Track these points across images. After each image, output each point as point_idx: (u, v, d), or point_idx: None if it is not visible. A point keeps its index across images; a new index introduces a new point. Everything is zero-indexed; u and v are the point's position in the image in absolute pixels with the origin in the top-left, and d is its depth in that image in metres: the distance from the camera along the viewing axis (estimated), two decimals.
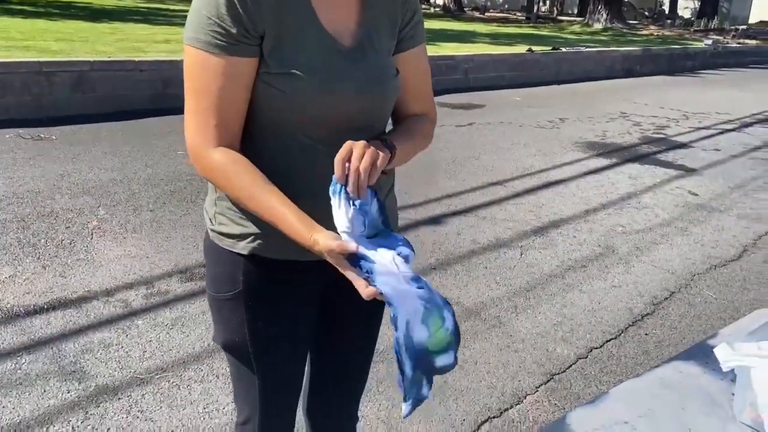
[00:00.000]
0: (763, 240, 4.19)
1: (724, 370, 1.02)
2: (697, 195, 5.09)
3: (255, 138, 1.09)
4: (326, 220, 0.98)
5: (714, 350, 1.05)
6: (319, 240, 0.97)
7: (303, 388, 1.42)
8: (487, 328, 2.87)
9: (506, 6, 32.29)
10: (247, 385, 1.28)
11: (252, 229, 1.13)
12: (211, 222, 1.19)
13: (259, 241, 1.13)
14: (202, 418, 2.15)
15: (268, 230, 1.11)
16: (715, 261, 3.81)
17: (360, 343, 1.39)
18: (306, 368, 1.38)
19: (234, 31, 0.99)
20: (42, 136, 5.28)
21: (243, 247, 1.14)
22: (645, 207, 4.71)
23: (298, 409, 1.39)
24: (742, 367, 1.03)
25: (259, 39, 1.02)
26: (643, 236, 4.13)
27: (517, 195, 4.75)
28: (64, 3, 13.82)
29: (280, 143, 1.08)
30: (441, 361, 1.03)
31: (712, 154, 6.53)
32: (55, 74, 6.04)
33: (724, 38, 19.58)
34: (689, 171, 5.80)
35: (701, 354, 1.31)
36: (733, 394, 1.15)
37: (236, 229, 1.15)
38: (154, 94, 6.41)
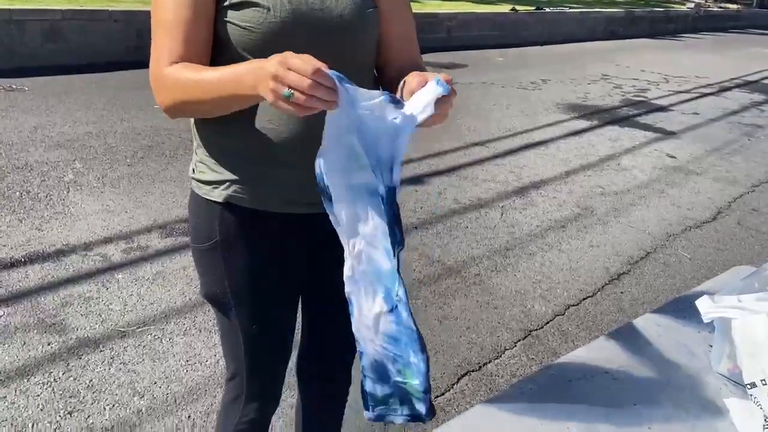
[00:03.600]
0: (738, 202, 4.28)
1: (705, 321, 1.05)
2: (675, 158, 5.15)
3: None
4: (308, 168, 0.95)
5: (696, 302, 1.07)
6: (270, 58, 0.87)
7: (299, 347, 1.41)
8: (467, 285, 2.91)
9: None
10: (232, 339, 1.27)
11: (227, 175, 1.12)
12: (193, 171, 1.18)
13: (234, 188, 1.12)
14: (185, 370, 2.16)
15: (243, 177, 1.10)
16: (690, 222, 3.88)
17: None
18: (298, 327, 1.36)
19: None
20: (14, 87, 5.12)
21: (218, 195, 1.13)
22: (624, 169, 4.76)
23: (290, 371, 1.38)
24: (723, 318, 1.06)
25: None
26: (621, 198, 4.18)
27: (499, 156, 4.76)
28: None
29: None
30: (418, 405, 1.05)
31: (691, 117, 6.58)
32: (25, 23, 5.83)
33: (706, 2, 19.55)
34: (668, 134, 5.85)
35: (679, 308, 1.35)
36: (711, 346, 1.19)
37: (212, 176, 1.13)
38: (128, 45, 6.22)
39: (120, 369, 2.14)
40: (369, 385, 1.06)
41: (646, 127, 6.03)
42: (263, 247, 1.18)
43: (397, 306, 1.00)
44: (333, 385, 1.47)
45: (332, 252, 1.05)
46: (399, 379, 1.04)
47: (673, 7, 16.22)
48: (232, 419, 1.32)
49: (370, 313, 1.02)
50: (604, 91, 7.47)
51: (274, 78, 0.83)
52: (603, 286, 3.04)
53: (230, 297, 1.20)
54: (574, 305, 2.85)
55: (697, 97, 7.63)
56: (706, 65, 9.99)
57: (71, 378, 2.08)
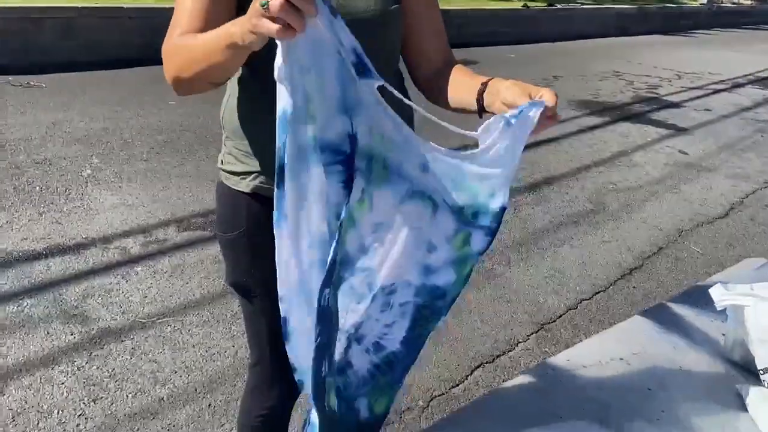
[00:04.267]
0: (750, 198, 4.27)
1: (718, 309, 1.07)
2: (687, 154, 5.14)
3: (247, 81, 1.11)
4: None
5: (709, 290, 1.10)
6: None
7: None
8: (481, 280, 2.93)
9: None
10: (255, 327, 1.31)
11: (254, 166, 1.15)
12: (221, 162, 1.22)
13: (261, 178, 1.15)
14: (204, 360, 2.21)
15: (271, 168, 1.13)
16: (702, 218, 3.89)
17: None
18: None
19: None
20: (31, 83, 5.20)
21: (246, 185, 1.16)
22: (636, 165, 4.77)
23: None
24: (736, 306, 1.08)
25: None
26: (633, 194, 4.19)
27: None
28: None
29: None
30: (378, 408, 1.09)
31: (703, 114, 6.56)
32: (42, 20, 5.91)
33: None
34: (680, 130, 5.85)
35: (692, 298, 1.37)
36: (724, 335, 1.21)
37: (240, 167, 1.17)
38: (143, 42, 6.27)
39: (141, 358, 2.19)
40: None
41: (658, 124, 6.02)
42: None
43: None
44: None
45: None
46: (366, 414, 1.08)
47: (685, 3, 16.12)
48: (255, 404, 1.36)
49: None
50: (615, 88, 7.46)
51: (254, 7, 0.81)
52: (615, 281, 3.06)
53: (255, 285, 1.24)
54: (586, 299, 2.87)
55: (709, 94, 7.60)
56: (719, 61, 9.94)
57: (94, 367, 2.13)
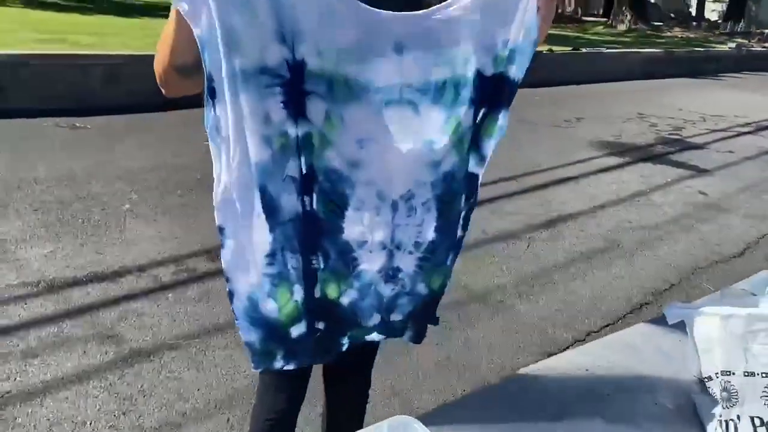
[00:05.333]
0: (766, 238, 4.31)
1: (670, 323, 1.20)
2: (706, 194, 5.20)
3: None
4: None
5: (663, 308, 1.23)
6: None
7: None
8: (491, 311, 3.06)
9: None
10: None
11: None
12: None
13: None
14: (225, 380, 2.38)
15: None
16: (717, 257, 3.95)
17: None
18: None
19: None
20: (77, 125, 5.57)
21: None
22: (654, 204, 4.85)
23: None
24: (688, 321, 1.21)
25: None
26: (649, 232, 4.27)
27: (528, 190, 4.91)
28: None
29: None
30: (295, 331, 1.20)
31: (726, 155, 6.61)
32: (89, 67, 6.33)
33: (750, 42, 19.41)
34: (701, 171, 5.91)
35: (663, 321, 1.50)
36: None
37: None
38: None
39: (168, 377, 2.37)
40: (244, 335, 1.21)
41: (679, 165, 6.09)
42: None
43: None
44: (350, 387, 1.65)
45: None
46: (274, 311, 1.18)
47: (713, 47, 16.19)
48: (263, 409, 1.51)
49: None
50: (638, 130, 7.56)
51: None
52: (624, 315, 3.15)
53: None
54: (594, 332, 2.96)
55: (733, 136, 7.64)
56: (746, 104, 9.96)
57: (125, 383, 2.32)
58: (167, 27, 1.08)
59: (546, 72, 10.74)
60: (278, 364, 1.26)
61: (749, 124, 8.46)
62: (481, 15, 1.09)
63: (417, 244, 1.21)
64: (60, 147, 4.93)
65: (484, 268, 3.50)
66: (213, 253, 3.36)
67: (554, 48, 11.72)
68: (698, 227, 4.45)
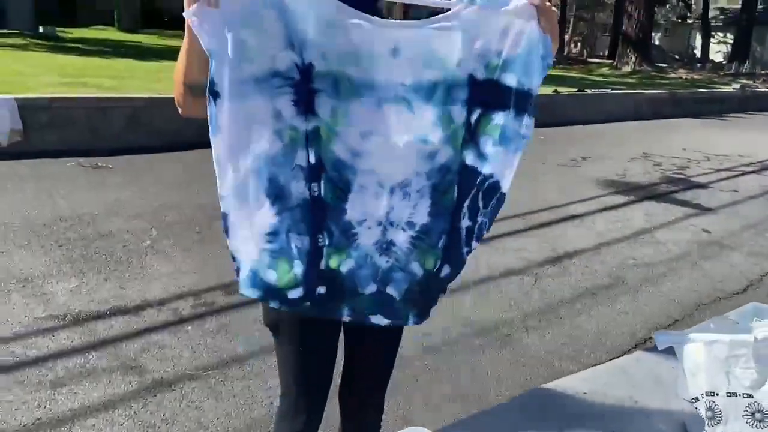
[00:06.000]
0: None
1: (660, 348, 1.32)
2: (710, 232, 5.30)
3: None
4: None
5: (654, 334, 1.35)
6: None
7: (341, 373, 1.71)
8: (499, 344, 3.15)
9: None
10: (282, 359, 1.57)
11: None
12: None
13: None
14: (242, 409, 2.48)
15: None
16: (720, 294, 4.03)
17: (386, 334, 1.61)
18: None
19: None
20: (99, 165, 5.79)
21: None
22: (658, 242, 4.96)
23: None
24: (677, 347, 1.33)
25: None
26: (653, 269, 4.37)
27: (534, 227, 5.04)
28: (115, 42, 14.71)
29: None
30: (292, 294, 1.33)
31: (730, 194, 6.73)
32: (111, 109, 6.60)
33: (754, 82, 19.68)
34: (705, 210, 6.02)
35: (654, 349, 1.61)
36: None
37: None
38: (199, 127, 6.86)
39: (188, 406, 2.48)
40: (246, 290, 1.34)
41: (684, 203, 6.21)
42: None
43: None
44: (363, 413, 1.75)
45: None
46: (273, 279, 1.31)
47: (717, 88, 16.44)
48: (283, 428, 1.62)
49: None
50: (643, 169, 7.71)
51: None
52: (629, 350, 3.21)
53: (282, 326, 1.53)
54: (599, 365, 3.04)
55: (738, 175, 7.76)
56: (750, 144, 10.11)
57: (148, 412, 2.42)
58: (182, 46, 1.25)
59: (552, 112, 10.98)
60: (272, 304, 1.39)
61: (753, 163, 8.59)
62: (478, 28, 1.25)
63: (410, 224, 1.34)
64: (82, 186, 5.12)
65: (492, 303, 3.60)
66: (230, 287, 3.49)
67: (560, 89, 11.99)
68: (702, 264, 4.54)
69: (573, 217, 5.38)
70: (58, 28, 14.37)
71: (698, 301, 3.90)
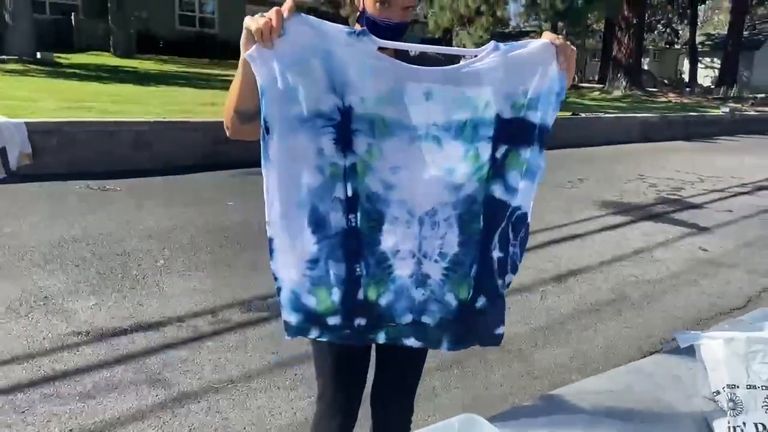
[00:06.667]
0: None
1: (682, 347, 1.43)
2: (707, 251, 5.44)
3: None
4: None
5: (675, 333, 1.46)
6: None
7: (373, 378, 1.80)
8: (509, 359, 3.25)
9: None
10: (320, 364, 1.69)
11: None
12: None
13: None
14: (267, 420, 2.55)
15: None
16: (720, 309, 4.15)
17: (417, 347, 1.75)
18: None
19: None
20: (108, 187, 5.88)
21: None
22: (657, 260, 5.08)
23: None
24: (697, 346, 1.43)
25: None
26: (654, 286, 4.49)
27: (538, 246, 5.16)
28: (111, 67, 14.86)
29: None
30: (331, 320, 1.44)
31: (725, 214, 6.89)
32: (117, 133, 6.71)
33: (742, 106, 20.08)
34: (701, 229, 6.17)
35: (673, 352, 1.71)
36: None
37: None
38: (205, 151, 7.03)
39: (215, 416, 2.55)
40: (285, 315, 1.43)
41: (680, 223, 6.36)
42: None
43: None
44: (394, 415, 1.85)
45: None
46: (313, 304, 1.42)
47: (708, 112, 16.78)
48: (321, 429, 1.71)
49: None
50: (639, 190, 7.88)
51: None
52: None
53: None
54: (620, 366, 3.14)
55: (731, 196, 7.94)
56: (742, 166, 10.33)
57: (176, 423, 2.50)
58: (235, 77, 1.40)
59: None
60: (313, 334, 1.48)
61: (746, 184, 8.79)
62: (504, 72, 1.38)
63: (442, 255, 1.44)
64: (93, 208, 5.21)
65: None
66: (246, 304, 3.57)
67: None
68: (700, 282, 4.66)
69: (574, 236, 5.51)
70: (54, 54, 14.53)
71: (699, 316, 4.01)
